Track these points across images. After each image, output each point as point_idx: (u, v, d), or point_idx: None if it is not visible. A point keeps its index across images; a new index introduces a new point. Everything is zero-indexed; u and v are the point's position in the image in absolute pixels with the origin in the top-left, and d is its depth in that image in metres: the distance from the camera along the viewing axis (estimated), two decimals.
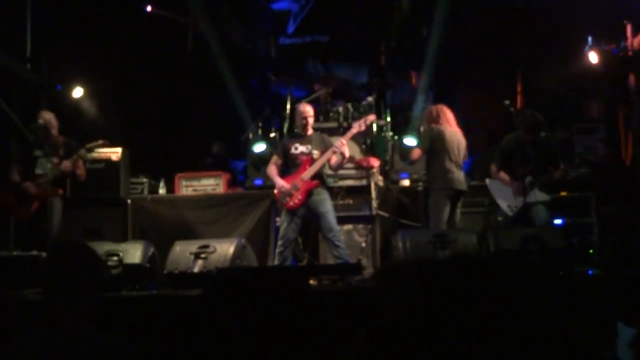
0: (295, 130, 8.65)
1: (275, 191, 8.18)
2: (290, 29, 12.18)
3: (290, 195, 7.98)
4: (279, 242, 8.04)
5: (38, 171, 8.17)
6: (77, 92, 10.52)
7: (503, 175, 8.08)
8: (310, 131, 8.34)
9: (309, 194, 8.00)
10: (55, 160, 8.27)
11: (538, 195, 7.77)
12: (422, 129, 8.59)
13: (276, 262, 8.01)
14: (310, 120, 8.35)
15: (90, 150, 8.52)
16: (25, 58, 9.93)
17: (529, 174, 7.77)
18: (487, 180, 8.29)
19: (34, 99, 9.96)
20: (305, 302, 5.67)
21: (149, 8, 11.63)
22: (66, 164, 8.23)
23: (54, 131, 8.42)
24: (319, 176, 8.13)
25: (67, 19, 10.73)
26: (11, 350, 2.81)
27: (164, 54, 11.57)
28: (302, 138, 8.29)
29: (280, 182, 8.08)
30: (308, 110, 8.38)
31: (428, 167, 8.33)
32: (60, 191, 8.29)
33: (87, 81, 10.65)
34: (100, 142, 8.49)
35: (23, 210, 8.12)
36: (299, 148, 8.21)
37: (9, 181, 8.49)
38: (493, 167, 8.19)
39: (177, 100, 11.56)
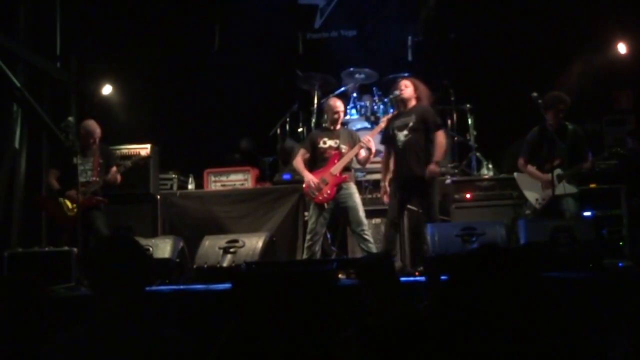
0: (324, 124, 8.67)
1: (304, 185, 8.22)
2: (317, 23, 12.18)
3: (319, 189, 8.01)
4: (308, 237, 8.08)
5: (81, 179, 8.22)
6: (106, 90, 10.60)
7: (531, 169, 8.02)
8: (339, 126, 8.37)
9: (338, 188, 8.03)
10: (97, 169, 8.36)
11: (567, 188, 7.71)
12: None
13: (305, 256, 8.05)
14: (341, 115, 8.40)
15: (136, 163, 8.65)
16: (54, 56, 10.01)
17: (557, 167, 7.68)
18: (515, 174, 8.25)
19: (63, 97, 10.04)
20: (333, 296, 5.69)
21: None
22: (114, 175, 8.33)
23: (97, 141, 8.49)
24: (347, 170, 8.16)
25: (95, 17, 10.81)
26: (60, 345, 2.81)
27: (191, 50, 11.62)
28: (331, 132, 8.32)
29: (309, 176, 8.11)
30: (339, 105, 8.41)
31: (430, 154, 7.90)
32: (106, 200, 8.37)
33: (116, 78, 10.73)
34: (144, 155, 8.68)
35: (65, 218, 8.19)
36: (328, 142, 8.24)
37: (47, 187, 8.61)
38: (521, 161, 8.13)
39: (206, 96, 11.60)
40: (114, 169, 8.39)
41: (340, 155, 8.14)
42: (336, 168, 8.06)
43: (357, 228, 7.98)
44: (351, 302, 5.50)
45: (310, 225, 8.12)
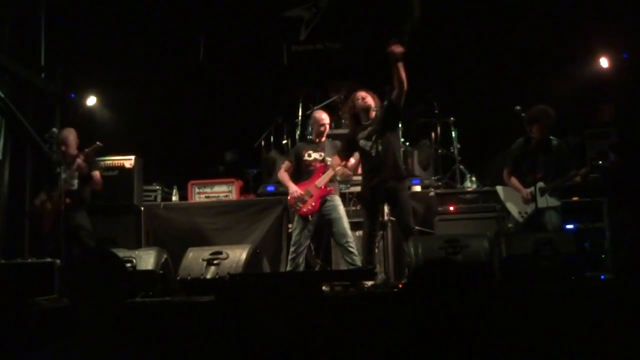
0: (309, 137, 8.70)
1: (289, 197, 8.22)
2: (302, 36, 12.20)
3: (303, 201, 8.02)
4: (292, 249, 8.09)
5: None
6: (91, 101, 10.58)
7: (514, 181, 8.06)
8: (324, 138, 8.40)
9: (322, 200, 8.04)
10: (75, 176, 8.36)
11: (549, 201, 7.76)
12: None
13: (289, 268, 8.06)
14: (327, 128, 8.42)
15: (87, 156, 8.53)
16: (39, 67, 9.99)
17: (539, 181, 7.73)
18: (498, 187, 8.29)
19: (48, 107, 10.02)
20: (317, 308, 5.69)
21: None
22: (81, 164, 8.29)
23: (71, 149, 8.49)
24: (332, 182, 8.17)
25: (80, 27, 10.79)
26: (45, 357, 2.82)
27: (176, 62, 11.61)
28: (316, 145, 8.35)
29: (293, 188, 8.12)
30: (324, 117, 8.44)
31: (399, 161, 7.82)
32: (68, 201, 8.28)
33: (100, 89, 10.72)
34: (97, 144, 8.55)
35: (44, 225, 8.22)
36: (313, 155, 8.27)
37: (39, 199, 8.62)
38: (505, 172, 8.17)
39: (190, 108, 11.60)
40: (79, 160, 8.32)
41: (326, 167, 8.16)
42: (321, 180, 8.07)
43: (341, 240, 8.00)
44: (336, 314, 5.51)
45: (294, 237, 8.13)
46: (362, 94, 7.86)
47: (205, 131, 11.59)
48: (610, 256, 8.37)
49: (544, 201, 7.72)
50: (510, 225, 8.08)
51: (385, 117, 7.58)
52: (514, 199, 8.04)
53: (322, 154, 8.24)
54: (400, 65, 7.45)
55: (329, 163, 8.17)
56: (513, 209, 8.02)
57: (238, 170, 10.92)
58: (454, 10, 11.30)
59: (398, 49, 7.43)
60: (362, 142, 7.67)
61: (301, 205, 8.04)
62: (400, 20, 11.61)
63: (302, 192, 8.05)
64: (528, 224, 7.86)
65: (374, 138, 7.49)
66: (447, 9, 11.36)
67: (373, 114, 7.76)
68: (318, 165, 8.20)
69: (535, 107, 8.04)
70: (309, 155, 8.29)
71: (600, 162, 8.28)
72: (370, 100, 7.81)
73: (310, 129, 8.75)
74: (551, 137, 8.00)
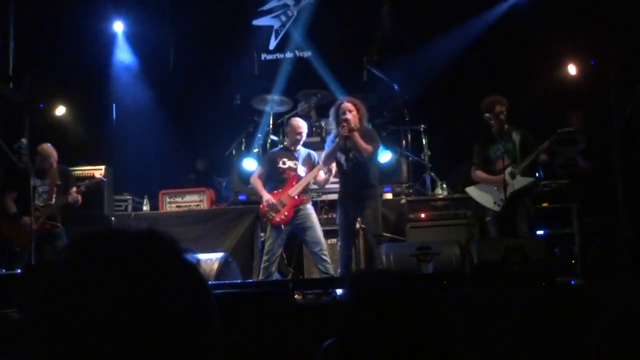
0: (284, 144, 8.68)
1: (262, 206, 8.20)
2: (272, 44, 12.21)
3: (276, 210, 8.00)
4: (265, 257, 8.05)
5: (38, 203, 8.23)
6: (60, 111, 10.52)
7: (481, 174, 8.03)
8: (299, 147, 8.37)
9: (295, 210, 8.03)
10: (54, 191, 8.33)
11: (523, 181, 7.75)
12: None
13: (261, 277, 8.03)
14: (303, 136, 8.38)
15: (88, 187, 8.59)
16: (7, 77, 9.92)
17: (508, 166, 7.74)
18: (468, 189, 8.26)
19: (16, 117, 9.94)
20: (290, 316, 5.69)
21: None
22: (75, 197, 8.36)
23: (54, 163, 8.49)
24: (305, 192, 8.16)
25: (49, 37, 10.73)
26: None
27: (146, 71, 11.57)
28: (291, 153, 8.32)
29: (267, 196, 8.09)
30: (302, 125, 8.39)
31: (373, 168, 7.91)
32: (58, 225, 8.36)
33: (69, 99, 10.65)
34: (98, 178, 8.62)
35: (21, 242, 8.18)
36: (287, 163, 8.24)
37: (3, 209, 8.55)
38: (473, 169, 8.16)
39: (160, 117, 11.56)
40: (75, 189, 8.37)
41: (299, 177, 8.15)
42: (294, 190, 8.06)
43: (315, 248, 7.99)
44: (308, 322, 5.51)
45: (267, 246, 8.10)
46: (348, 106, 7.76)
47: (176, 141, 11.55)
48: (580, 261, 8.42)
49: (519, 182, 7.74)
50: (488, 219, 8.03)
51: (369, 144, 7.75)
52: (486, 192, 7.99)
53: (297, 162, 8.23)
54: (355, 135, 7.62)
55: (302, 172, 8.17)
56: (488, 201, 7.94)
57: (209, 179, 10.89)
58: (423, 19, 11.37)
59: (347, 124, 7.61)
60: (338, 155, 7.84)
61: (274, 215, 8.02)
62: (370, 28, 11.66)
63: (274, 201, 8.04)
64: (506, 210, 7.80)
65: (351, 155, 7.64)
66: (416, 18, 11.42)
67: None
68: (292, 174, 8.18)
69: (485, 99, 8.09)
70: (284, 163, 8.26)
71: (568, 168, 8.31)
72: (352, 117, 7.70)
73: (285, 136, 8.72)
74: (510, 126, 8.01)
